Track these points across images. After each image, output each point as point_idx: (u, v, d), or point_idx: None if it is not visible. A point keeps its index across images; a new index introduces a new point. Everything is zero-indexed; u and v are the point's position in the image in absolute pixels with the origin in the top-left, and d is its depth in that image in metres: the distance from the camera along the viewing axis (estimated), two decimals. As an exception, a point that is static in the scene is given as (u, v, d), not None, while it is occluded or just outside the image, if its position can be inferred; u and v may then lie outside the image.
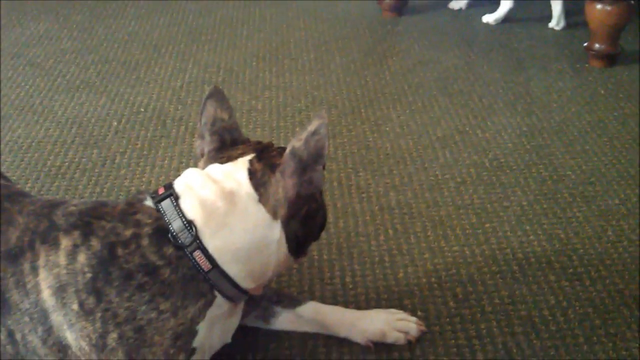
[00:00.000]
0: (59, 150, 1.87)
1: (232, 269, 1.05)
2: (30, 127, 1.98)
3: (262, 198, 1.06)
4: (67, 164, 1.81)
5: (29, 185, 1.72)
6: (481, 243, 1.52)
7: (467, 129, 1.94)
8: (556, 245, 1.51)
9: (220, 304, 1.07)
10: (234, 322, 1.15)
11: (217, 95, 1.17)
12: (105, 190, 1.71)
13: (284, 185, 1.06)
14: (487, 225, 1.57)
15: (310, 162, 1.06)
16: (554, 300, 1.36)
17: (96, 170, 1.78)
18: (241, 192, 1.06)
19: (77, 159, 1.83)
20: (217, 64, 2.33)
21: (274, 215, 1.06)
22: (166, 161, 1.82)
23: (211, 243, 1.04)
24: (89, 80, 2.23)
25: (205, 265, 1.03)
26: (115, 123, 1.99)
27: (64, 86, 2.20)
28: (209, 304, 1.05)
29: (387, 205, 1.64)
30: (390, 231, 1.56)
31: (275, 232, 1.07)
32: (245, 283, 1.07)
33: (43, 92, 2.16)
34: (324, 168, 1.08)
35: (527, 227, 1.56)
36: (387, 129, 1.96)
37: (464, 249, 1.50)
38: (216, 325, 1.08)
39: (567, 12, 2.57)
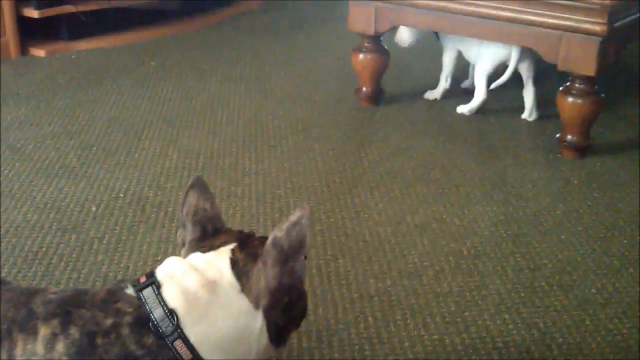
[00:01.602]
0: (37, 236, 1.86)
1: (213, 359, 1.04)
2: (8, 212, 1.97)
3: (244, 287, 1.06)
4: (44, 249, 1.80)
5: (5, 270, 1.70)
6: (461, 332, 1.51)
7: (445, 217, 1.97)
8: (535, 335, 1.51)
9: None
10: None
11: (199, 185, 1.19)
12: (82, 276, 1.69)
13: (265, 275, 1.07)
14: (467, 313, 1.57)
15: (291, 253, 1.07)
16: (534, 390, 1.35)
17: (74, 256, 1.77)
18: (223, 282, 1.06)
19: (54, 245, 1.82)
20: (197, 150, 2.36)
21: (256, 305, 1.07)
22: (145, 247, 1.82)
23: (193, 333, 1.03)
24: (68, 165, 2.24)
25: (186, 355, 1.02)
26: (94, 208, 1.99)
27: (44, 171, 2.20)
28: None
29: (367, 293, 1.65)
30: (370, 319, 1.56)
31: (257, 321, 1.07)
32: None
33: (22, 176, 2.16)
34: (305, 258, 1.09)
35: (506, 316, 1.56)
36: (366, 216, 1.98)
37: (443, 337, 1.50)
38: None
39: (539, 104, 2.64)
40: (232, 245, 1.11)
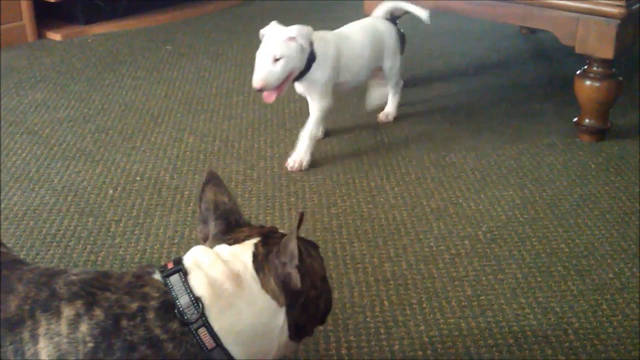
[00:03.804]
0: (55, 218, 1.87)
1: (235, 350, 1.06)
2: (26, 195, 1.98)
3: (263, 283, 1.07)
4: (62, 231, 1.81)
5: (23, 252, 1.71)
6: (477, 315, 1.52)
7: (461, 201, 1.96)
8: (552, 319, 1.51)
9: None
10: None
11: (214, 180, 1.21)
12: (100, 258, 1.71)
13: (274, 276, 1.08)
14: (483, 297, 1.57)
15: (286, 261, 1.08)
16: (550, 374, 1.35)
17: (91, 239, 1.78)
18: (246, 275, 1.08)
19: (72, 227, 1.83)
20: (212, 134, 2.36)
21: (279, 302, 1.07)
22: (161, 230, 1.83)
23: (217, 322, 1.05)
24: (85, 149, 2.25)
25: (209, 343, 1.04)
26: (111, 191, 2.00)
27: (61, 154, 2.22)
28: None
29: (382, 277, 1.65)
30: (386, 302, 1.56)
31: (280, 318, 1.08)
32: None
33: (40, 160, 2.18)
34: (300, 266, 1.08)
35: (522, 300, 1.56)
36: (382, 199, 1.98)
37: (459, 321, 1.50)
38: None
39: (557, 87, 2.62)
40: (255, 240, 1.12)
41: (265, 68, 2.02)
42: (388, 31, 2.36)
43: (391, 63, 2.38)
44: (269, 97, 2.06)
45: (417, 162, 2.18)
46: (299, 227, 1.05)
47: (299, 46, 2.03)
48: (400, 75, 2.45)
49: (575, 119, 2.34)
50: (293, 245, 1.06)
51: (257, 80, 2.02)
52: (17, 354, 1.02)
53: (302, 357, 1.39)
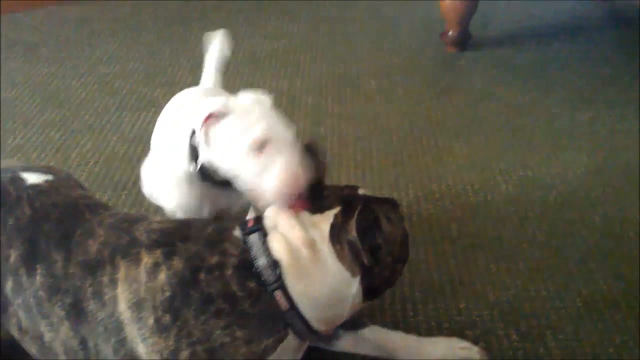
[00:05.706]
0: (126, 167, 1.91)
1: (308, 313, 1.07)
2: (98, 143, 2.02)
3: (338, 254, 1.07)
4: (133, 179, 1.85)
5: (96, 198, 1.75)
6: (545, 278, 1.49)
7: (531, 164, 1.93)
8: (622, 285, 1.48)
9: (291, 340, 1.09)
10: (300, 354, 1.16)
11: None
12: (169, 206, 1.73)
13: (349, 247, 1.08)
14: (552, 261, 1.55)
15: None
16: (619, 339, 1.33)
17: (161, 187, 1.81)
18: (323, 245, 1.08)
19: (142, 176, 1.86)
20: (280, 91, 2.36)
21: (353, 272, 1.07)
22: (229, 182, 1.84)
23: (292, 286, 1.06)
24: (155, 101, 2.28)
25: (284, 305, 1.05)
26: (181, 142, 2.03)
27: (132, 105, 2.25)
28: (281, 340, 1.07)
29: (449, 236, 1.64)
30: (452, 261, 1.55)
31: (353, 287, 1.09)
32: (318, 326, 1.09)
33: (111, 110, 2.22)
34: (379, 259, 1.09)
35: (593, 265, 1.53)
36: (449, 160, 1.95)
37: (527, 283, 1.48)
38: (284, 357, 1.09)
39: (634, 53, 2.53)
40: (336, 210, 1.10)
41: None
42: None
43: None
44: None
45: (487, 124, 2.15)
46: (358, 220, 1.05)
47: None
48: None
49: (653, 85, 2.26)
50: (353, 235, 1.06)
51: (295, 183, 1.14)
52: (96, 296, 1.05)
53: (366, 309, 1.39)
